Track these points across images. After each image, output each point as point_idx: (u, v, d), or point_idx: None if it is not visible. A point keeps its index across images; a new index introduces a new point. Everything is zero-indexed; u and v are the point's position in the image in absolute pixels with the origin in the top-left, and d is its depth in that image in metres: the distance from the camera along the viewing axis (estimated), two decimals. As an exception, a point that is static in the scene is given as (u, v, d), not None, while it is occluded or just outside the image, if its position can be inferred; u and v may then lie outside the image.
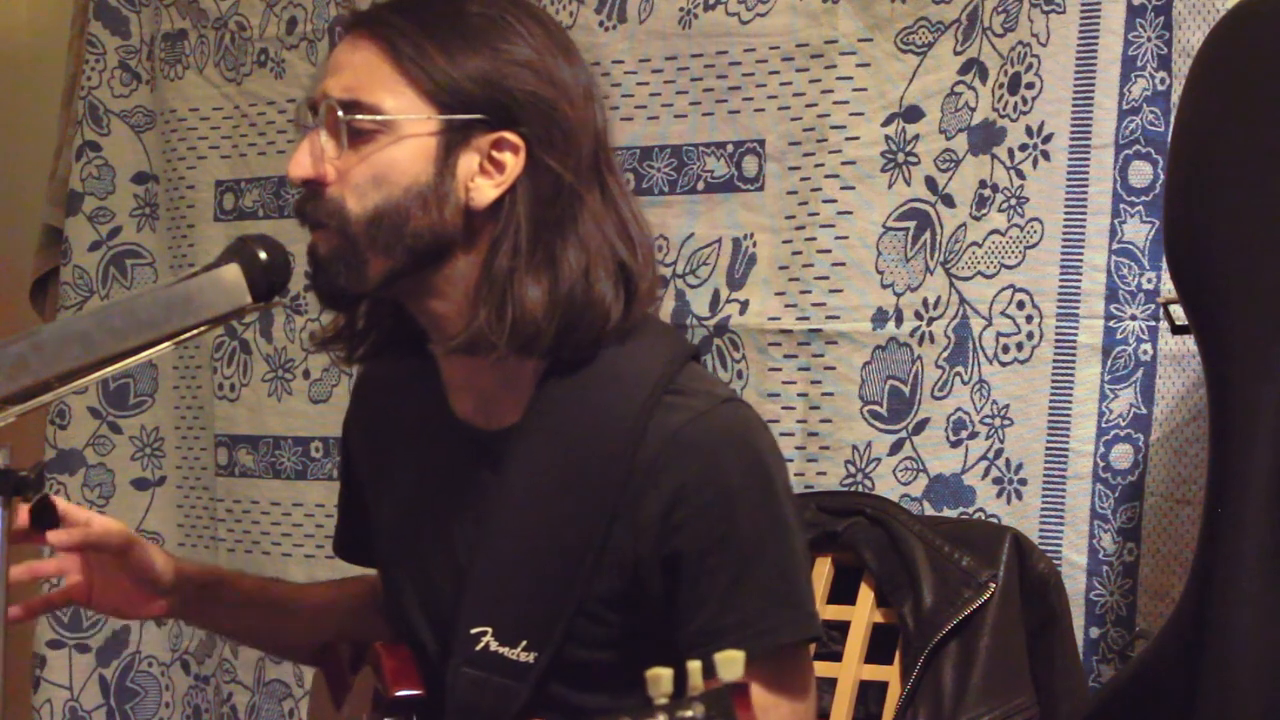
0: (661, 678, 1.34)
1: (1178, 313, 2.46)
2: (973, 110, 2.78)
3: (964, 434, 2.75)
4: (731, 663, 1.34)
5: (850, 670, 2.62)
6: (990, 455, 2.73)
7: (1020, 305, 2.72)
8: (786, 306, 2.92)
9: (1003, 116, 2.74)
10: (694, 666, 1.34)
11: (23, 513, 1.99)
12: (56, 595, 2.15)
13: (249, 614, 2.23)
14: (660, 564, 1.92)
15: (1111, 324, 2.65)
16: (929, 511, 2.76)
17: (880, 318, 2.84)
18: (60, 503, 2.07)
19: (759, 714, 1.39)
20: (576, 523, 1.94)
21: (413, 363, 2.05)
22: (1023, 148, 2.72)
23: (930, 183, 2.81)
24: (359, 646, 2.20)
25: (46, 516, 2.02)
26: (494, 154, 1.92)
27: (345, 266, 1.92)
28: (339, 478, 2.26)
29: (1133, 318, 2.64)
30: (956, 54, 2.80)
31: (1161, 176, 2.61)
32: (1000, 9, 2.75)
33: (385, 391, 2.15)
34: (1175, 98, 2.59)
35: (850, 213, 2.87)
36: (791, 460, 2.83)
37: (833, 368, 2.88)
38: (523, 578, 1.96)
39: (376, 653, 2.08)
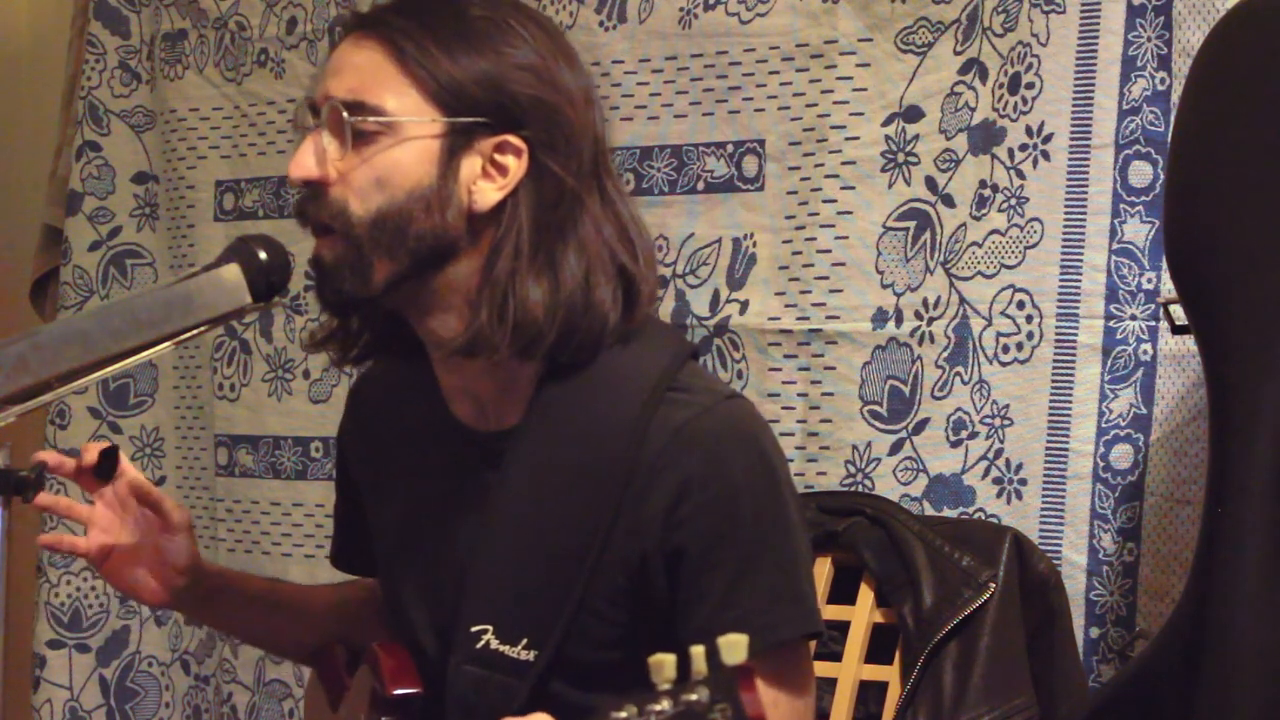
0: (665, 664, 1.35)
1: (1178, 313, 2.46)
2: (973, 110, 2.78)
3: (964, 434, 2.75)
4: (735, 646, 1.34)
5: (850, 670, 2.62)
6: (990, 455, 2.73)
7: (1020, 305, 2.72)
8: (786, 306, 2.92)
9: (1003, 116, 2.74)
10: (697, 651, 1.34)
11: (92, 451, 2.02)
12: (80, 541, 2.10)
13: (255, 612, 2.23)
14: (664, 560, 1.92)
15: (1111, 324, 2.65)
16: (929, 511, 2.76)
17: (880, 318, 2.84)
18: (126, 462, 2.09)
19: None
20: (578, 521, 1.94)
21: (407, 368, 2.05)
22: (1023, 148, 2.72)
23: (930, 183, 2.81)
24: (355, 649, 2.20)
25: (107, 466, 2.03)
26: (496, 157, 1.92)
27: (351, 272, 1.92)
28: (335, 488, 2.26)
29: (1133, 318, 2.64)
30: (956, 54, 2.80)
31: (1161, 176, 2.60)
32: (1000, 9, 2.75)
33: (381, 398, 2.15)
34: (1175, 98, 2.59)
35: (850, 213, 2.87)
36: (791, 460, 2.82)
37: (833, 368, 2.87)
38: (524, 576, 1.96)
39: (374, 652, 2.08)
